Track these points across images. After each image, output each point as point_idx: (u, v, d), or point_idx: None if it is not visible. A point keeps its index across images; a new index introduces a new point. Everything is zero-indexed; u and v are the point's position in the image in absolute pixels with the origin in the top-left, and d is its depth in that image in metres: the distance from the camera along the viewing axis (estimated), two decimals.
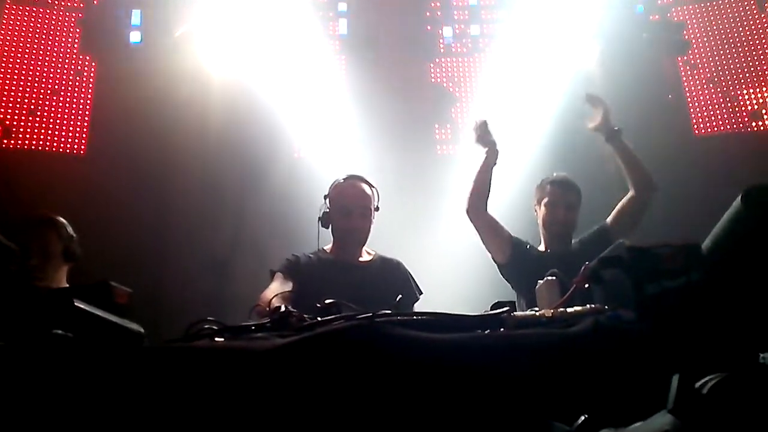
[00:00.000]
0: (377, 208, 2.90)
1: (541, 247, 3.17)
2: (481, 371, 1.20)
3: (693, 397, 0.86)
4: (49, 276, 3.03)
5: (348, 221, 2.81)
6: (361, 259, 2.88)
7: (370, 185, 2.90)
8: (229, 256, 5.27)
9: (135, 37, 5.82)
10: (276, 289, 2.54)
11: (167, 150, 5.39)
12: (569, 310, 1.46)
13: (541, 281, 1.88)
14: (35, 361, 1.21)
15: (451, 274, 3.63)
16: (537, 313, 1.45)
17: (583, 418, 0.96)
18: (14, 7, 5.94)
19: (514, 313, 1.42)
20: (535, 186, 3.25)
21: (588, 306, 1.45)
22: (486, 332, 1.36)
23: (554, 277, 1.85)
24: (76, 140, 5.79)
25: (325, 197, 2.89)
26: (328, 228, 2.86)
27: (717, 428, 0.84)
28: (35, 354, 1.21)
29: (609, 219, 3.10)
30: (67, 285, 3.05)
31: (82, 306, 1.29)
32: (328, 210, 2.85)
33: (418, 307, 2.76)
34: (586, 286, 1.54)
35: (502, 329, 1.38)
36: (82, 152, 5.77)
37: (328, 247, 2.92)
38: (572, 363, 1.20)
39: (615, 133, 3.04)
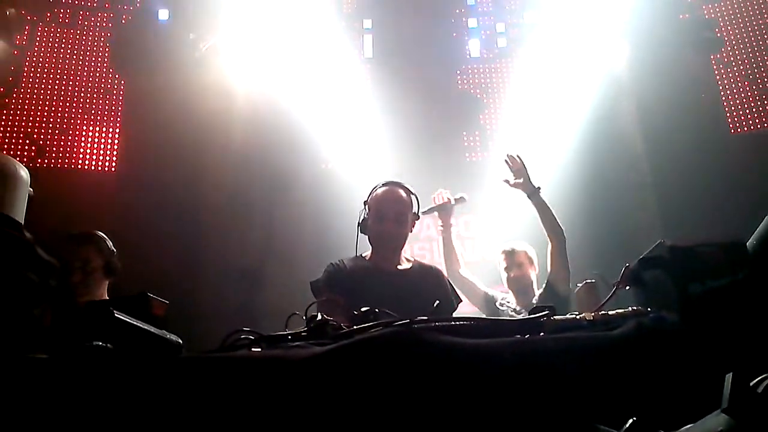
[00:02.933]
0: (417, 216, 2.87)
1: (513, 302, 3.55)
2: (521, 376, 1.18)
3: (748, 396, 0.83)
4: (91, 291, 3.05)
5: (382, 226, 2.78)
6: (399, 266, 2.84)
7: (409, 192, 2.86)
8: (260, 266, 5.30)
9: (162, 52, 5.90)
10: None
11: (196, 163, 5.46)
12: (610, 312, 1.42)
13: (580, 284, 1.86)
14: (76, 372, 1.22)
15: (480, 281, 3.64)
16: (578, 317, 1.42)
17: (631, 421, 0.94)
18: (46, 29, 6.09)
19: (555, 316, 1.40)
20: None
21: (629, 308, 1.42)
22: (526, 336, 1.34)
23: (593, 280, 1.82)
24: (107, 157, 5.91)
25: (365, 203, 2.87)
26: (366, 234, 2.83)
27: None
28: (76, 365, 1.22)
29: (548, 274, 3.41)
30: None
31: (121, 317, 1.29)
32: (366, 216, 2.83)
33: (456, 314, 2.72)
34: (626, 287, 1.50)
35: (541, 333, 1.36)
36: (112, 169, 5.87)
37: (366, 253, 2.88)
38: (617, 366, 1.17)
39: (535, 191, 3.36)
